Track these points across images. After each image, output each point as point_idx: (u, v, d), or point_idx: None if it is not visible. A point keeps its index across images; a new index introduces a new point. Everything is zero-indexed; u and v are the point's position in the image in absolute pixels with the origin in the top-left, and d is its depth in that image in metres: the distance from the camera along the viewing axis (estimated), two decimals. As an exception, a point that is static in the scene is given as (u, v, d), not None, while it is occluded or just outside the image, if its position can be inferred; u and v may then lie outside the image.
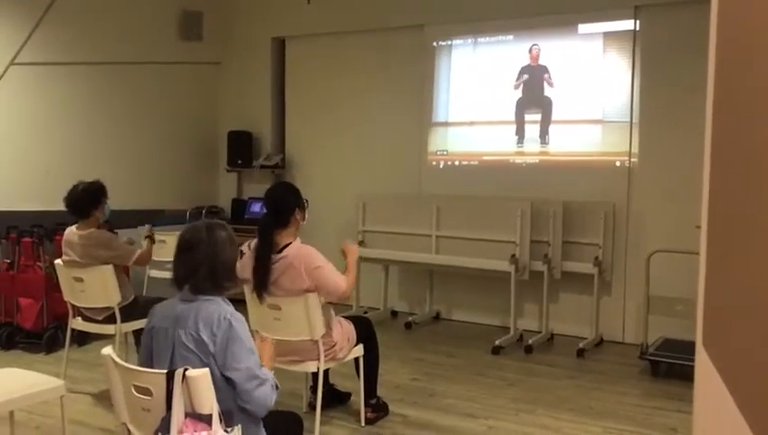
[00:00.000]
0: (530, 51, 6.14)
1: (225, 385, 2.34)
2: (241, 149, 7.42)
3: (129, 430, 2.43)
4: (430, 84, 6.59)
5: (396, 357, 5.20)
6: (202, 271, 2.38)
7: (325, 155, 7.20)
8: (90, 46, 6.40)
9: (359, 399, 4.01)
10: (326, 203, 6.98)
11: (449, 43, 6.53)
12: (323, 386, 4.08)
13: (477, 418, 4.14)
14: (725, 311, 1.41)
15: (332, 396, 4.19)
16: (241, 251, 3.07)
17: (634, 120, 5.73)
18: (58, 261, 4.49)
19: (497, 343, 5.53)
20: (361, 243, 6.41)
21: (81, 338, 5.17)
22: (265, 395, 2.37)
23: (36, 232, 5.47)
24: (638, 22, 5.69)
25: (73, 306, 4.49)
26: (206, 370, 2.23)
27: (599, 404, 4.40)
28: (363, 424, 3.96)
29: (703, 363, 1.58)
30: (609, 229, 5.72)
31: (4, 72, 5.82)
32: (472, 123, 6.46)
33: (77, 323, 4.53)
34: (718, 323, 1.48)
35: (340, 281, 3.59)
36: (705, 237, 1.61)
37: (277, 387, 2.44)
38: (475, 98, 6.40)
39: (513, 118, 6.23)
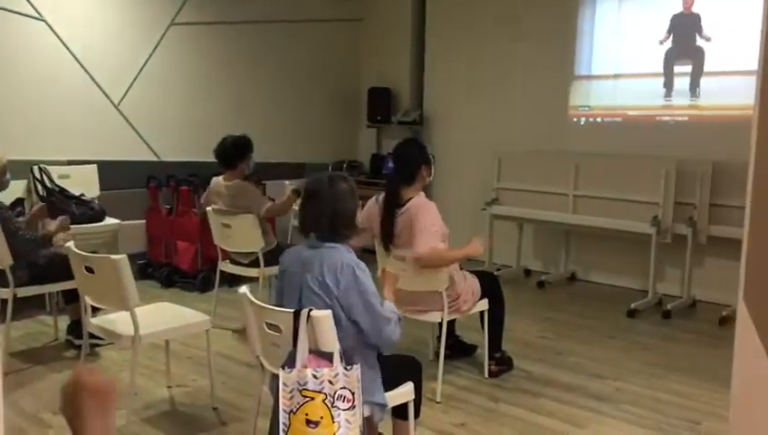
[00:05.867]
0: (684, -2, 5.75)
1: (349, 326, 2.50)
2: (380, 105, 7.57)
3: (261, 362, 2.66)
4: (573, 35, 6.35)
5: (526, 315, 5.19)
6: (324, 220, 2.54)
7: (463, 110, 7.18)
8: (241, 7, 6.74)
9: (484, 352, 4.07)
10: (462, 159, 6.99)
11: (594, -9, 6.24)
12: (450, 337, 4.18)
13: (605, 379, 4.07)
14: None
15: (459, 348, 4.28)
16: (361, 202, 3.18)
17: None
18: (209, 208, 4.86)
19: (633, 306, 5.37)
20: (495, 200, 6.39)
21: (233, 280, 5.55)
22: (391, 332, 2.55)
23: (192, 181, 5.94)
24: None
25: (223, 250, 4.86)
26: (329, 311, 2.38)
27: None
28: (487, 376, 4.02)
29: (743, 318, 1.58)
30: (764, 192, 5.31)
31: (165, 32, 6.30)
32: (616, 76, 6.17)
33: (226, 266, 4.91)
34: (758, 281, 1.49)
35: (425, 244, 3.44)
36: (750, 194, 1.55)
37: (399, 319, 2.61)
38: (621, 49, 6.09)
39: (660, 70, 5.89)
